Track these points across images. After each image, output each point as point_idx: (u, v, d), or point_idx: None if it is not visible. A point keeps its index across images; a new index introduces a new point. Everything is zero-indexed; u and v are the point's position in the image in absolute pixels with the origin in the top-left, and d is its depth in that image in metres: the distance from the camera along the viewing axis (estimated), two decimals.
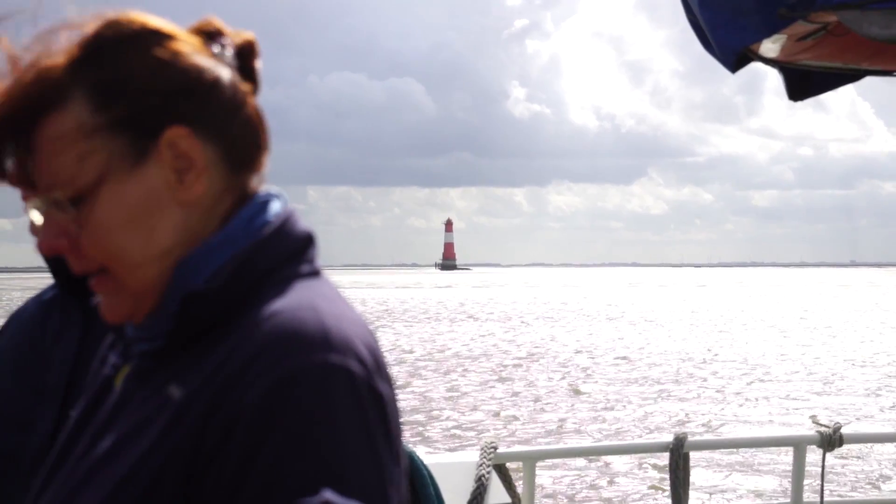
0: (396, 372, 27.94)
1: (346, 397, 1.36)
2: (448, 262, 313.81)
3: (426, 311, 63.76)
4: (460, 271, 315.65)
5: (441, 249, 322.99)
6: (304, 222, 1.54)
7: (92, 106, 1.43)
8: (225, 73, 1.49)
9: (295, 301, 1.43)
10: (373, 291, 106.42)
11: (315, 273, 1.52)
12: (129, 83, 1.44)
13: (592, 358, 31.24)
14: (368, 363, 1.41)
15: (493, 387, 24.50)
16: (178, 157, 1.45)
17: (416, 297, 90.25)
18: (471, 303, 75.73)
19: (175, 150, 1.45)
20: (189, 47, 1.48)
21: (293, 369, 1.36)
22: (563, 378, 26.04)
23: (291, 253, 1.50)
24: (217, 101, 1.47)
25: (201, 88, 1.46)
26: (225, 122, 1.47)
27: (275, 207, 1.52)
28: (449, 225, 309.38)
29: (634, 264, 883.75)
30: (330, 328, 1.40)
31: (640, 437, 16.69)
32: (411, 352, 33.75)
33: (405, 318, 54.28)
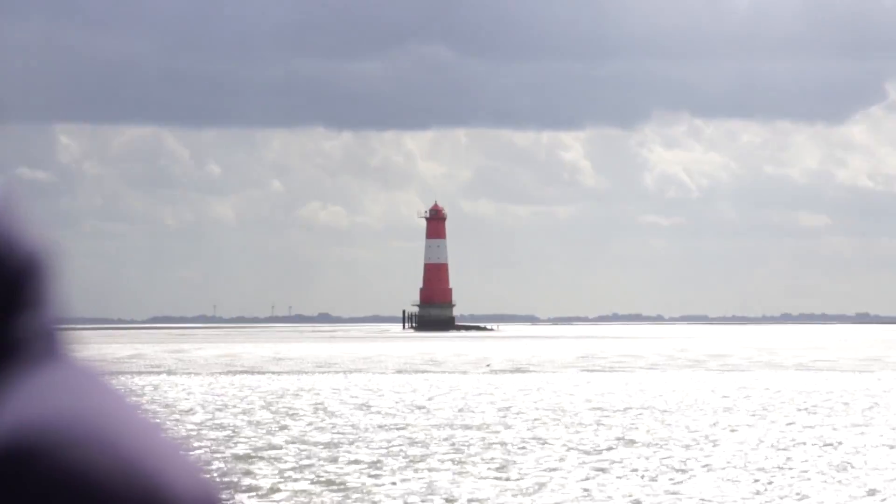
0: None
1: None
2: (439, 308, 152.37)
3: None
4: (469, 333, 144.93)
5: (417, 282, 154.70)
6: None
7: None
8: None
9: None
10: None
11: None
12: None
13: None
14: None
15: None
16: None
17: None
18: None
19: None
20: None
21: None
22: None
23: None
24: None
25: None
26: None
27: None
28: (438, 222, 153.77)
29: (862, 318, 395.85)
30: None
31: None
32: None
33: None
